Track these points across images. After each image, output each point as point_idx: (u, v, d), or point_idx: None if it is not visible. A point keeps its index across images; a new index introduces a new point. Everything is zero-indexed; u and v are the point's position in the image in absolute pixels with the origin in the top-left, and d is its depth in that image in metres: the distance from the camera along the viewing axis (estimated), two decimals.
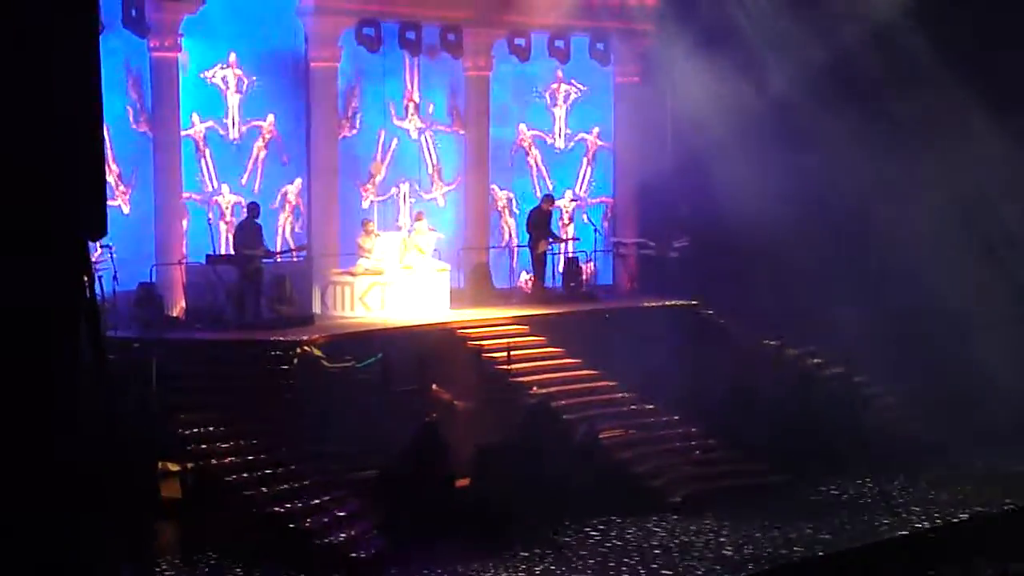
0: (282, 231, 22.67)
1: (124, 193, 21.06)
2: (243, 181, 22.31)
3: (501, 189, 25.20)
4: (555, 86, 25.70)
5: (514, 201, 25.29)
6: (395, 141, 23.80)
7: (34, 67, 5.74)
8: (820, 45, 22.47)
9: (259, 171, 22.47)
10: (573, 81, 25.70)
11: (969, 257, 22.17)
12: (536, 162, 25.62)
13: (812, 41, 22.38)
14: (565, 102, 25.82)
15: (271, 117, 22.58)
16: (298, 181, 22.85)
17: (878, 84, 22.81)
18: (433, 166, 24.33)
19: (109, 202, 20.02)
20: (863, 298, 21.71)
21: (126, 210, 21.09)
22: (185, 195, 21.61)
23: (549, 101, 25.70)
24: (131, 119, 21.05)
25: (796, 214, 21.64)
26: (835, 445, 19.94)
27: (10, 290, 5.77)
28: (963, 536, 17.41)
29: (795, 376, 22.06)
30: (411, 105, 23.98)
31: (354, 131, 23.41)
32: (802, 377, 22.15)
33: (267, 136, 22.58)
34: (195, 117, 21.71)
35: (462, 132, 24.38)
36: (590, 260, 24.93)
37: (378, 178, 23.59)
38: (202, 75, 21.76)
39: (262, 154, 22.52)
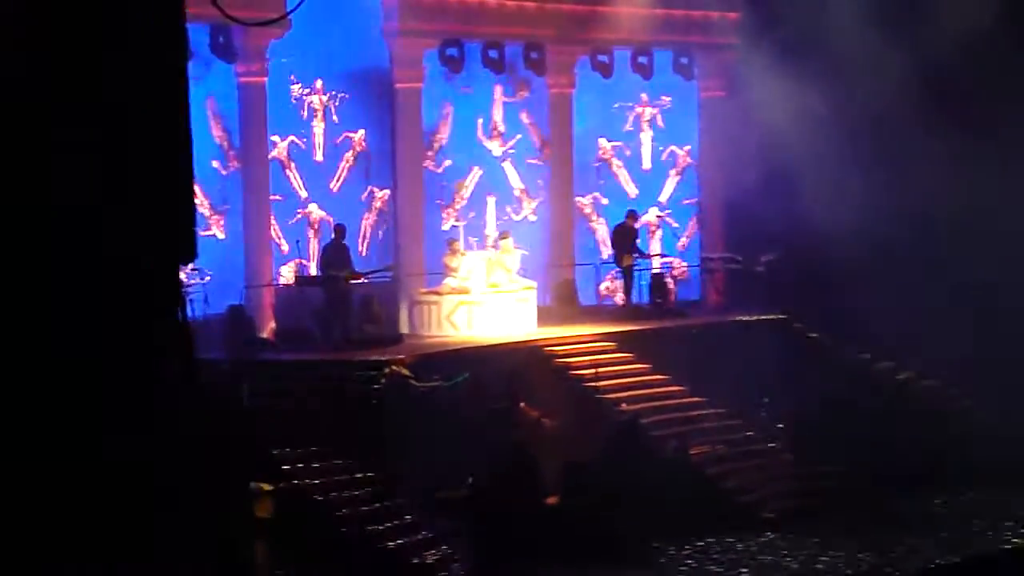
0: (364, 232, 22.75)
1: (217, 221, 21.33)
2: (331, 185, 22.46)
3: (583, 196, 25.16)
4: (640, 110, 25.64)
5: (600, 200, 25.23)
6: (480, 172, 23.87)
7: (127, 98, 5.84)
8: (907, 54, 22.15)
9: (343, 177, 22.64)
10: (659, 104, 25.60)
11: None
12: (621, 172, 25.54)
13: (899, 51, 22.07)
14: (651, 126, 25.73)
15: (362, 131, 22.78)
16: (387, 191, 22.99)
17: (968, 93, 22.45)
18: (521, 189, 24.36)
19: (203, 232, 20.46)
20: (958, 310, 21.34)
21: (220, 236, 21.36)
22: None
23: (634, 126, 25.60)
24: (220, 152, 21.32)
25: (885, 225, 21.35)
26: (932, 459, 19.62)
27: (106, 314, 5.87)
28: None
29: (889, 389, 21.76)
30: (495, 131, 24.03)
31: (439, 169, 23.52)
32: (896, 390, 21.85)
33: (357, 149, 22.78)
34: (275, 139, 21.92)
35: (546, 160, 24.38)
36: (675, 269, 24.77)
37: (460, 205, 23.67)
38: (293, 99, 22.04)
39: (351, 164, 22.71)
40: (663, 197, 25.91)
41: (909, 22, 22.20)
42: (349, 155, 22.73)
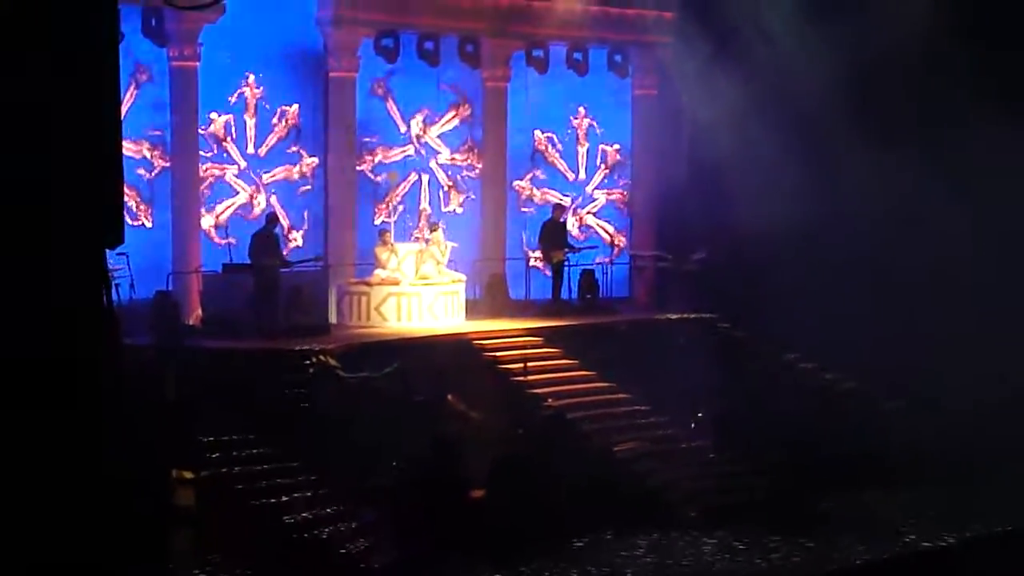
0: (275, 174, 22.55)
1: (145, 211, 21.16)
2: (258, 151, 22.24)
3: (520, 180, 25.11)
4: (576, 121, 25.65)
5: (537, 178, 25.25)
6: (416, 177, 23.82)
7: (55, 82, 5.77)
8: (839, 55, 22.34)
9: (272, 144, 22.47)
10: (594, 114, 25.63)
11: (1002, 271, 21.85)
12: (556, 159, 25.52)
13: (831, 51, 22.26)
14: (587, 137, 25.74)
15: (296, 106, 22.60)
16: (315, 159, 22.82)
17: (898, 94, 22.70)
18: (448, 186, 24.29)
19: (132, 223, 20.27)
20: (885, 311, 21.58)
21: (148, 224, 21.17)
22: (218, 168, 21.81)
23: (571, 135, 25.59)
24: (147, 149, 21.15)
25: (815, 225, 21.54)
26: (852, 460, 19.82)
27: (29, 298, 5.80)
28: (978, 555, 17.29)
29: (811, 390, 21.97)
30: (423, 132, 23.96)
31: (378, 178, 23.48)
32: (819, 391, 22.06)
33: (290, 122, 22.59)
34: (213, 115, 21.75)
35: (476, 166, 24.36)
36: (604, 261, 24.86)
37: (393, 201, 23.58)
38: (229, 97, 21.91)
39: (282, 134, 22.53)
40: (591, 188, 25.91)
41: (840, 23, 22.40)
42: (281, 125, 22.53)
